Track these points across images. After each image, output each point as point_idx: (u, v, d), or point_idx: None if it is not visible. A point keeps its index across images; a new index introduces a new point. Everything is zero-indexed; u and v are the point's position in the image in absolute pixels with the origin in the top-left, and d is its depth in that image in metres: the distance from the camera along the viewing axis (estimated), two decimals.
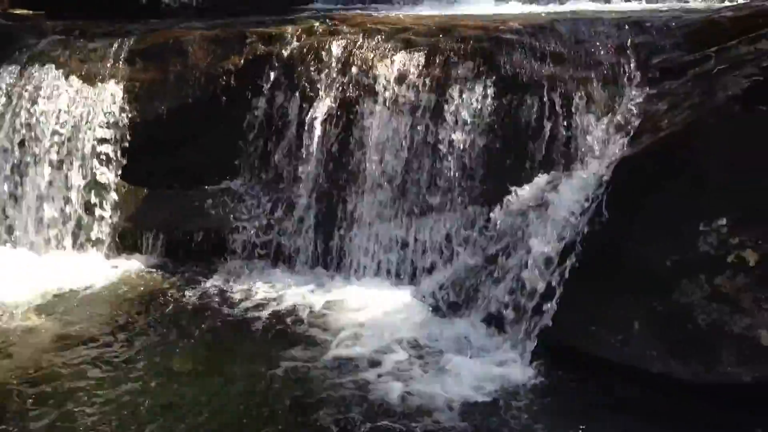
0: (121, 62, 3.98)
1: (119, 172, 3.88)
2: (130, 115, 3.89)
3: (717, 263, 2.69)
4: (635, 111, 3.22)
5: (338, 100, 3.66)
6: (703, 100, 2.98)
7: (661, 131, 3.04)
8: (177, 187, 3.83)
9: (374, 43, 3.79)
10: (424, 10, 4.71)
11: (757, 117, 2.78)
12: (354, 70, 3.69)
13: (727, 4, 4.12)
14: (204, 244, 3.72)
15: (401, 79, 3.65)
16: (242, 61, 3.84)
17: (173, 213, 3.80)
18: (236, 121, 3.77)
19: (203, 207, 3.76)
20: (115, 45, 4.00)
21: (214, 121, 3.83)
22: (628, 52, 3.41)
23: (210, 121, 3.83)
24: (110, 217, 3.89)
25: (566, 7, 4.70)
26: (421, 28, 3.85)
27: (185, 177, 3.81)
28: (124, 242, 3.85)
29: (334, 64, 3.74)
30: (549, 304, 2.90)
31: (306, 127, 3.65)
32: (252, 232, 3.67)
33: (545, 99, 3.40)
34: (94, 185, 3.91)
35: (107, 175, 3.92)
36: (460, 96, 3.55)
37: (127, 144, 3.87)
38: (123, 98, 3.89)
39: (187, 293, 3.47)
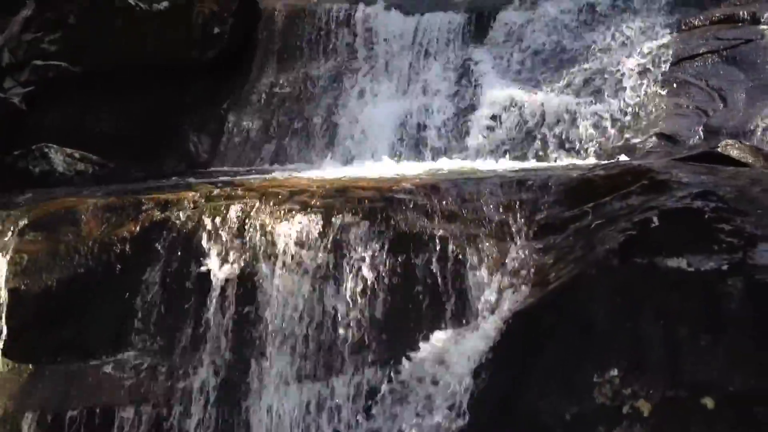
0: (8, 235, 3.88)
1: (1, 348, 3.68)
2: (14, 290, 3.75)
3: (613, 415, 2.74)
4: (524, 265, 3.36)
5: (236, 265, 3.65)
6: (584, 254, 3.16)
7: (550, 284, 3.17)
8: (64, 362, 3.65)
9: (272, 206, 3.86)
10: (321, 172, 4.88)
11: (634, 268, 2.95)
12: (252, 234, 3.72)
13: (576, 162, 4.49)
14: (91, 424, 3.50)
15: (299, 241, 3.70)
16: (137, 229, 3.81)
17: (58, 391, 3.59)
18: (130, 291, 3.68)
19: (92, 383, 3.58)
20: (2, 217, 3.91)
21: (106, 291, 3.73)
22: (514, 209, 3.61)
23: (102, 292, 3.73)
24: None
25: (462, 164, 4.99)
26: (318, 190, 3.96)
27: (74, 351, 3.65)
28: (6, 426, 3.58)
29: (231, 229, 3.76)
30: None
31: (203, 294, 3.60)
32: (146, 408, 3.50)
33: (439, 256, 3.51)
34: None
35: None
36: (357, 255, 3.62)
37: (10, 319, 3.70)
38: (8, 272, 3.77)
39: None
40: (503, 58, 5.84)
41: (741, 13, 5.27)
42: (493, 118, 5.32)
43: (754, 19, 5.18)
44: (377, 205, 3.75)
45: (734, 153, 3.57)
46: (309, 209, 3.77)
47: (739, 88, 4.75)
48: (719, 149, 3.59)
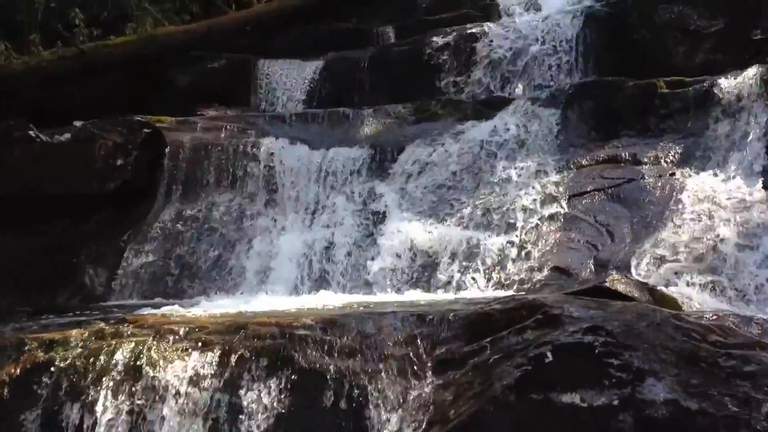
0: None
1: None
2: None
3: None
4: (425, 403, 3.32)
5: (125, 410, 3.46)
6: (483, 389, 3.16)
7: (450, 422, 3.14)
8: None
9: (166, 344, 3.72)
10: (222, 308, 4.78)
11: (530, 404, 2.97)
12: (143, 375, 3.55)
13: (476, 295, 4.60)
14: None
15: (194, 381, 3.55)
16: (17, 371, 3.58)
17: None
18: None
19: None
20: None
21: None
22: (414, 344, 3.61)
23: None
24: None
25: (364, 298, 5.00)
26: (215, 327, 3.85)
27: None
28: None
29: (121, 370, 3.58)
30: None
31: None
32: None
33: (339, 393, 3.43)
34: None
35: None
36: (255, 395, 3.50)
37: None
38: None
39: None
40: (406, 193, 6.03)
41: (623, 154, 5.67)
42: (395, 251, 5.42)
43: (635, 160, 5.58)
44: (276, 342, 3.68)
45: (620, 287, 3.72)
46: (205, 347, 3.65)
47: (624, 223, 5.04)
48: (607, 284, 3.74)
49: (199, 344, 3.69)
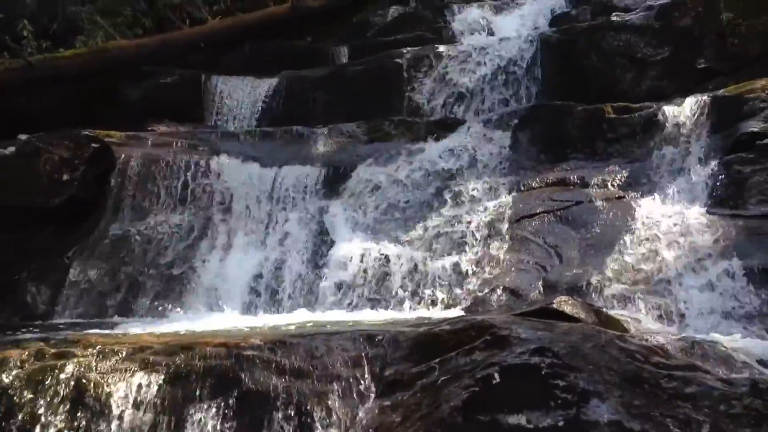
0: None
1: None
2: None
3: None
4: (373, 424, 3.30)
5: (66, 431, 3.35)
6: (430, 411, 3.16)
7: None
8: None
9: (110, 365, 3.63)
10: (169, 326, 4.69)
11: (477, 426, 2.98)
12: (86, 397, 3.45)
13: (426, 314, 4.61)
14: None
15: (138, 403, 3.47)
16: None
17: None
18: None
19: None
20: None
21: None
22: (363, 365, 3.59)
23: None
24: None
25: (315, 317, 4.97)
26: (160, 347, 3.78)
27: None
28: None
29: (62, 392, 3.48)
30: None
31: None
32: None
33: (287, 415, 3.39)
34: None
35: None
36: (201, 415, 3.43)
37: None
38: None
39: None
40: (358, 212, 6.03)
41: (572, 177, 5.77)
42: (347, 270, 5.41)
43: (583, 182, 5.69)
44: (224, 362, 3.62)
45: (567, 309, 3.77)
46: (149, 368, 3.58)
47: (572, 245, 5.12)
48: (554, 305, 3.79)
49: (144, 365, 3.62)
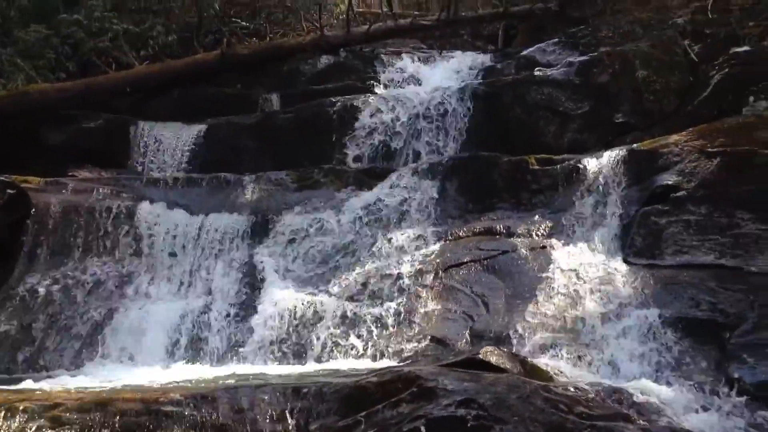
0: None
1: None
2: None
3: None
4: None
5: None
6: None
7: None
8: None
9: (17, 423, 3.43)
10: (84, 381, 4.48)
11: None
12: None
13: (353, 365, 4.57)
14: None
15: None
16: None
17: None
18: None
19: None
20: None
21: None
22: (288, 420, 3.50)
23: None
24: None
25: (240, 369, 4.84)
26: (73, 404, 3.60)
27: None
28: None
29: None
30: None
31: None
32: None
33: None
34: None
35: None
36: None
37: None
38: None
39: None
40: (285, 260, 5.96)
41: (498, 226, 5.86)
42: (273, 319, 5.31)
43: (509, 232, 5.78)
44: (141, 419, 3.48)
45: (493, 359, 3.79)
46: (61, 427, 3.40)
47: (498, 294, 5.17)
48: (480, 355, 3.80)
49: (54, 423, 3.43)
